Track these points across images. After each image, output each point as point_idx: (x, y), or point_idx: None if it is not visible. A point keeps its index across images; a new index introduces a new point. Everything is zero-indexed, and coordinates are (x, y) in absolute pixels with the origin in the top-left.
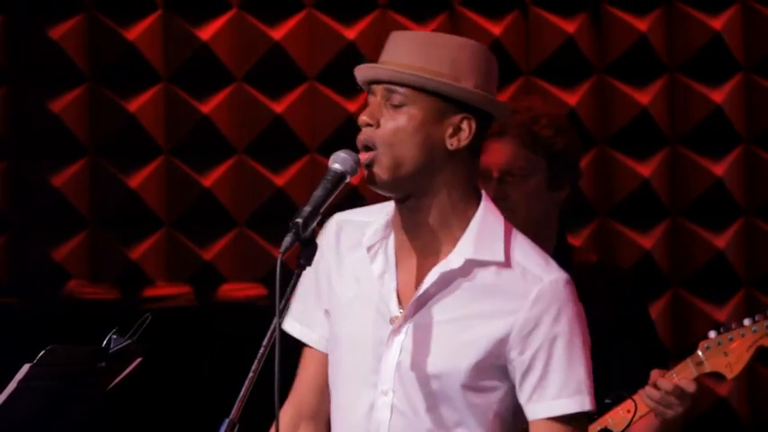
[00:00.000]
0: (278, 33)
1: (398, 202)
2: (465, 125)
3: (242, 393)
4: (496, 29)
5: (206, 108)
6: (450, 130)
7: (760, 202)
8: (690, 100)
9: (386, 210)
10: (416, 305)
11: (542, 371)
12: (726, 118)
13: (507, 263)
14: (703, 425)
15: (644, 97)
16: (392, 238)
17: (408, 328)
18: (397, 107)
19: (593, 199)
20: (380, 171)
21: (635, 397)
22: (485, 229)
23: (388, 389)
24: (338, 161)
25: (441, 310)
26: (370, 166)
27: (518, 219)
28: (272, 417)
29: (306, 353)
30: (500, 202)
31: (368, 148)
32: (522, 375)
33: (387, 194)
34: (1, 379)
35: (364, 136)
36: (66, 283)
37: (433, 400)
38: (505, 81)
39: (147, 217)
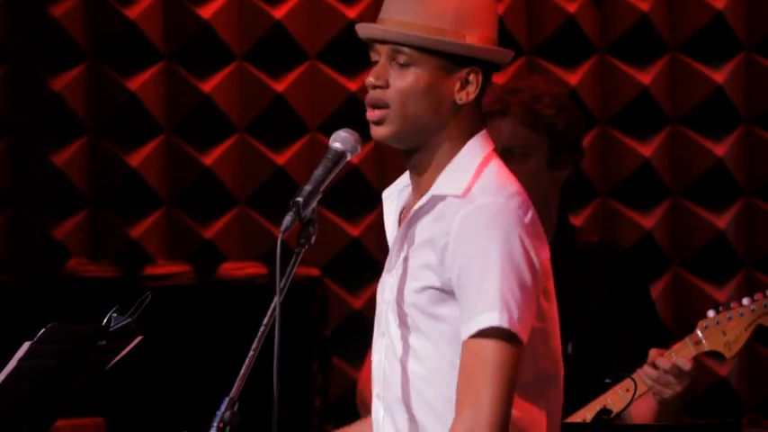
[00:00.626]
0: (280, 12)
1: (404, 153)
2: (472, 78)
3: (242, 372)
4: (498, 8)
5: (207, 87)
6: (458, 85)
7: (760, 183)
8: (691, 80)
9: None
10: (398, 245)
11: (463, 291)
12: (727, 98)
13: (465, 194)
14: (703, 405)
15: (645, 77)
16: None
17: (389, 266)
18: (403, 66)
19: (594, 179)
20: (391, 127)
21: (634, 376)
22: (459, 165)
23: (385, 329)
24: (338, 140)
25: (407, 246)
26: (380, 122)
27: None
28: (271, 395)
29: None
30: None
31: (377, 107)
32: (458, 299)
33: (390, 144)
34: (1, 357)
35: (374, 96)
36: (67, 262)
37: (408, 336)
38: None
39: (147, 195)
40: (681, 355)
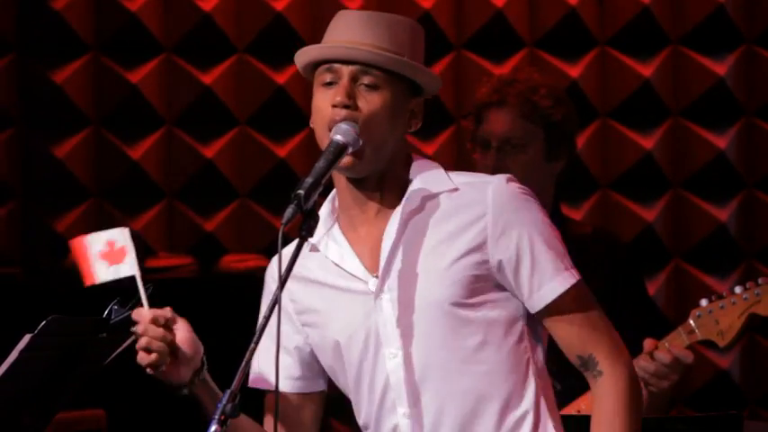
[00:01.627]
0: (280, 4)
1: (353, 182)
2: (418, 109)
3: (243, 365)
4: (499, 0)
5: (208, 79)
6: (409, 114)
7: (762, 175)
8: (692, 72)
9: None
10: (388, 259)
11: (531, 259)
12: (728, 90)
13: (454, 188)
14: (704, 397)
15: (646, 70)
16: (336, 226)
17: (388, 285)
18: (370, 88)
19: (595, 171)
20: (361, 154)
21: None
22: (426, 173)
23: (396, 349)
24: (340, 132)
25: (411, 251)
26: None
27: None
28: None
29: (269, 399)
30: (499, 172)
31: None
32: (514, 273)
33: (350, 176)
34: (2, 350)
35: (343, 115)
36: (68, 254)
37: (437, 337)
38: (509, 53)
39: (149, 188)
40: (674, 345)
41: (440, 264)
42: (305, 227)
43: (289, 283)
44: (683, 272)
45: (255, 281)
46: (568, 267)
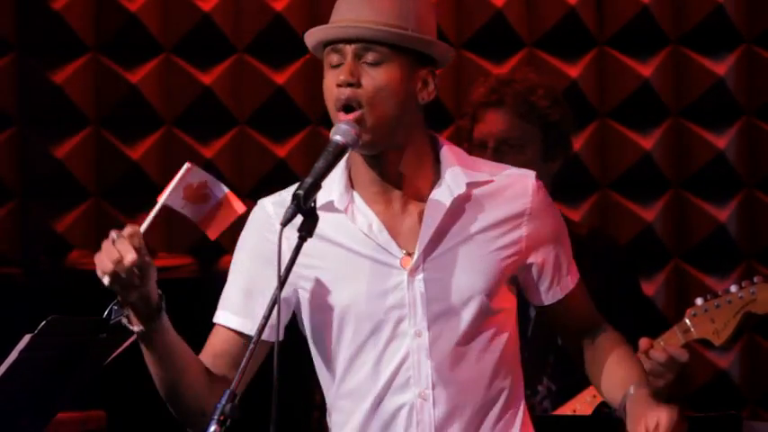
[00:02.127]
0: (279, 5)
1: (368, 158)
2: (430, 78)
3: (243, 364)
4: (499, 1)
5: (207, 79)
6: (419, 84)
7: (762, 175)
8: (692, 72)
9: (334, 178)
10: (431, 240)
11: (555, 263)
12: (728, 90)
13: (491, 179)
14: (704, 397)
15: (646, 69)
16: (357, 196)
17: (426, 264)
18: (373, 65)
19: (595, 172)
20: (367, 131)
21: None
22: (461, 159)
23: (421, 329)
24: (339, 133)
25: (453, 237)
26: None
27: None
28: (272, 387)
29: (219, 330)
30: None
31: (350, 108)
32: (539, 273)
33: (366, 153)
34: (2, 349)
35: (346, 95)
36: (69, 254)
37: (467, 324)
38: (508, 53)
39: (149, 188)
40: (669, 343)
41: (477, 253)
42: (304, 227)
43: (288, 233)
44: (683, 272)
45: None
46: (574, 262)
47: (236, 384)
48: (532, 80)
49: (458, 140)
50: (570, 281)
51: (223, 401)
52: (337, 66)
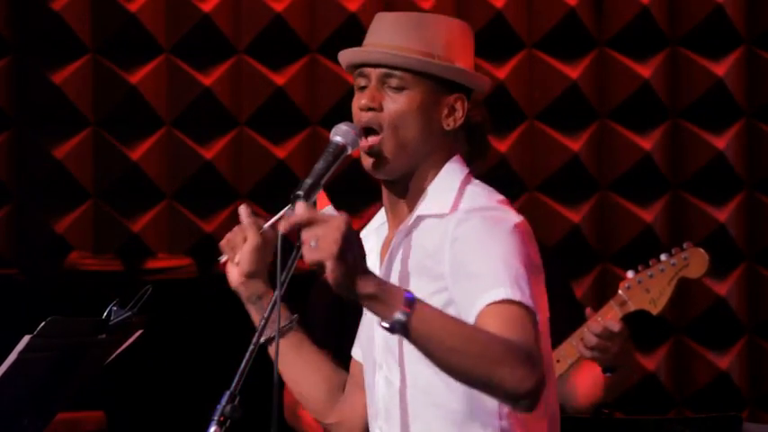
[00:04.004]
0: (280, 5)
1: (386, 183)
2: (458, 105)
3: (242, 366)
4: (499, 1)
5: (207, 80)
6: (445, 111)
7: (761, 176)
8: (691, 73)
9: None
10: (384, 273)
11: (466, 275)
12: (727, 91)
13: (452, 211)
14: (704, 399)
15: (645, 70)
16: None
17: None
18: (396, 90)
19: (594, 172)
20: (388, 155)
21: (558, 354)
22: (441, 186)
23: (382, 362)
24: (339, 134)
25: (396, 269)
26: (375, 153)
27: None
28: (272, 389)
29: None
30: None
31: (371, 131)
32: (458, 293)
33: (384, 178)
34: (2, 350)
35: (367, 117)
36: (68, 255)
37: (409, 362)
38: (508, 54)
39: (148, 189)
40: (608, 317)
41: (417, 283)
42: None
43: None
44: None
45: None
46: (507, 286)
47: (236, 385)
48: None
49: None
50: (476, 307)
51: (223, 402)
52: (363, 88)
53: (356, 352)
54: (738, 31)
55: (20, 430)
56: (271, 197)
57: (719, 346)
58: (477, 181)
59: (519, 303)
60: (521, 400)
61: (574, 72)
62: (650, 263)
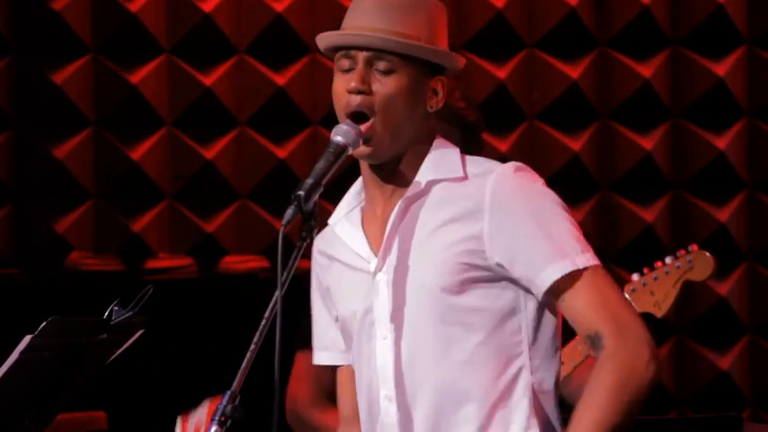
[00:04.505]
0: (280, 5)
1: (374, 167)
2: (439, 87)
3: (243, 365)
4: (499, 1)
5: (208, 80)
6: (429, 93)
7: (762, 176)
8: (692, 73)
9: (354, 187)
10: (387, 241)
11: (526, 252)
12: (728, 91)
13: (465, 176)
14: (705, 399)
15: (646, 70)
16: (360, 205)
17: (387, 266)
18: (384, 73)
19: (595, 172)
20: (379, 140)
21: (564, 356)
22: (440, 156)
23: (386, 332)
24: (340, 133)
25: (409, 235)
26: (367, 138)
27: None
28: (273, 388)
29: (338, 371)
30: None
31: (359, 114)
32: (512, 267)
33: (373, 162)
34: (3, 350)
35: (357, 101)
36: (69, 255)
37: (427, 323)
38: (508, 54)
39: (149, 189)
40: None
41: (433, 249)
42: (305, 228)
43: (320, 259)
44: None
45: (255, 282)
46: (567, 253)
47: (237, 385)
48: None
49: None
50: (547, 276)
51: (224, 402)
52: (348, 71)
53: (324, 357)
54: (739, 31)
55: (21, 430)
56: (271, 197)
57: (720, 347)
58: (470, 156)
59: (597, 267)
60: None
61: (574, 72)
62: (655, 266)
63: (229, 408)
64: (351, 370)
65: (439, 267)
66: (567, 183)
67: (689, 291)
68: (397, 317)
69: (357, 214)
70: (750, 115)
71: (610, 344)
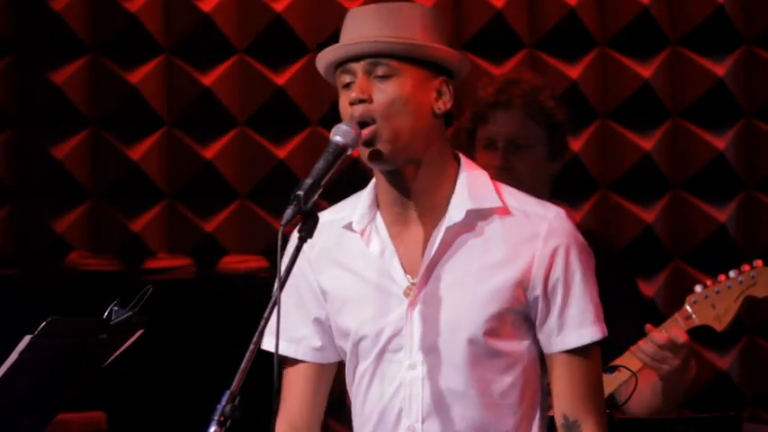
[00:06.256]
0: (280, 5)
1: (388, 175)
2: (445, 88)
3: (243, 366)
4: (499, 1)
5: (207, 80)
6: (434, 95)
7: (761, 176)
8: (692, 73)
9: (362, 197)
10: (428, 270)
11: (562, 304)
12: (728, 91)
13: (506, 209)
14: (704, 398)
15: (646, 70)
16: (379, 217)
17: (425, 295)
18: (383, 78)
19: (595, 172)
20: (383, 145)
21: (631, 350)
22: (473, 181)
23: (416, 362)
24: (339, 134)
25: (453, 269)
26: (371, 143)
27: (523, 190)
28: (272, 389)
29: (290, 370)
30: (506, 172)
31: (364, 124)
32: (543, 312)
33: (385, 168)
34: (2, 350)
35: (360, 111)
36: (68, 255)
37: (463, 362)
38: (508, 54)
39: (148, 189)
40: (672, 330)
41: (479, 290)
42: (304, 228)
43: (320, 258)
44: (683, 273)
45: (255, 282)
46: (596, 322)
47: (236, 385)
48: (537, 81)
49: (456, 142)
50: (561, 342)
51: (223, 402)
52: (348, 85)
53: (285, 347)
54: (739, 31)
55: (20, 430)
56: (271, 197)
57: (720, 347)
58: (496, 181)
59: (599, 340)
60: None
61: (574, 72)
62: (718, 278)
63: (229, 408)
64: (304, 370)
65: (481, 310)
66: (567, 183)
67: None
68: (429, 349)
69: (383, 227)
70: (749, 115)
71: None
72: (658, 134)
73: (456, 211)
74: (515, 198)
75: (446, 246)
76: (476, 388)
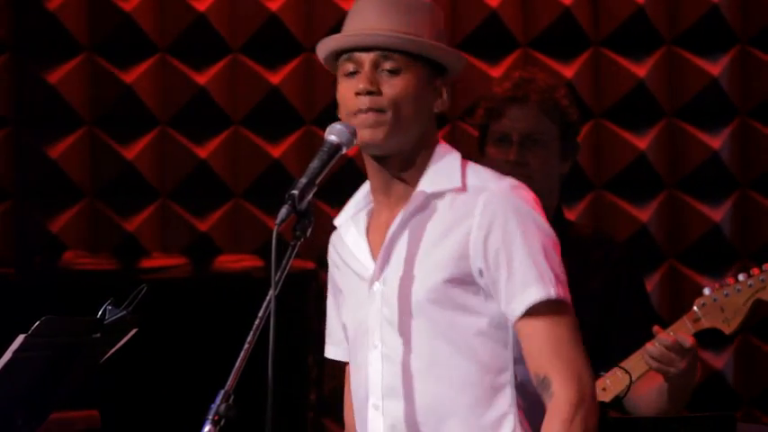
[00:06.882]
0: (274, 5)
1: (379, 161)
2: (444, 89)
3: (237, 365)
4: (494, 0)
5: (202, 79)
6: (434, 95)
7: (756, 175)
8: (686, 73)
9: (362, 189)
10: (385, 252)
11: (507, 273)
12: (722, 91)
13: (463, 188)
14: (698, 398)
15: (640, 70)
16: (368, 207)
17: (384, 278)
18: (392, 73)
19: (589, 172)
20: (386, 132)
21: (638, 353)
22: (441, 165)
23: (377, 342)
24: (334, 133)
25: (405, 248)
26: (377, 125)
27: (534, 187)
28: (266, 388)
29: (346, 369)
30: (520, 168)
31: (374, 111)
32: (493, 283)
33: (379, 154)
34: None
35: (368, 102)
36: (63, 254)
37: (418, 338)
38: (503, 53)
39: (143, 188)
40: (680, 333)
41: (426, 264)
42: (299, 227)
43: (335, 258)
44: (678, 272)
45: (250, 281)
46: (539, 281)
47: (230, 384)
48: (551, 79)
49: (453, 140)
50: (513, 310)
51: (217, 401)
52: (353, 74)
53: (333, 351)
54: (733, 30)
55: (14, 429)
56: (265, 196)
57: (714, 346)
58: (474, 163)
59: (560, 302)
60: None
61: (568, 71)
62: (727, 281)
63: (223, 407)
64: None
65: (429, 283)
66: (562, 182)
67: (683, 291)
68: (388, 328)
69: (363, 219)
70: (744, 114)
71: (558, 392)
72: (653, 134)
73: (416, 198)
74: (478, 177)
75: (402, 228)
76: (431, 364)
